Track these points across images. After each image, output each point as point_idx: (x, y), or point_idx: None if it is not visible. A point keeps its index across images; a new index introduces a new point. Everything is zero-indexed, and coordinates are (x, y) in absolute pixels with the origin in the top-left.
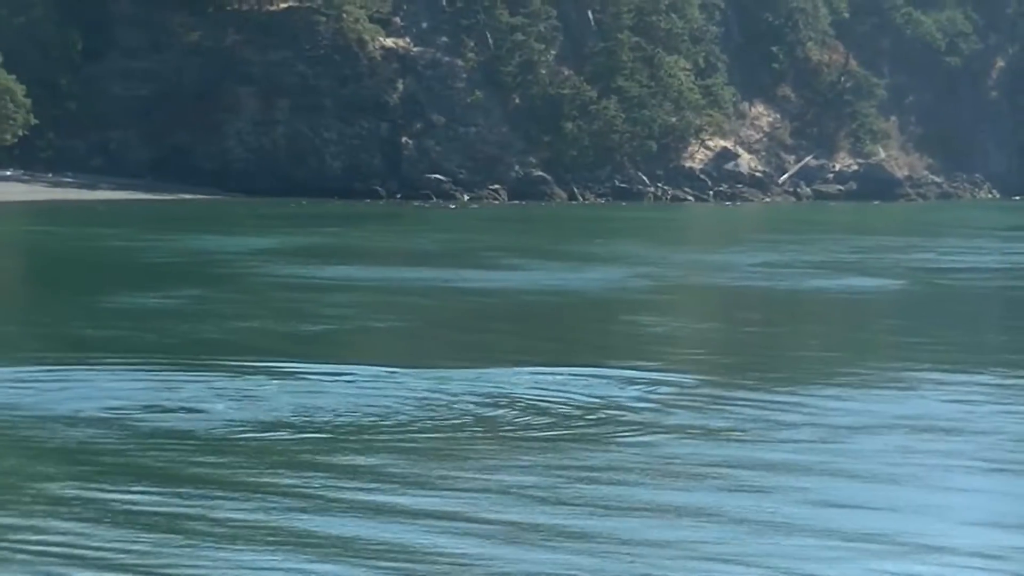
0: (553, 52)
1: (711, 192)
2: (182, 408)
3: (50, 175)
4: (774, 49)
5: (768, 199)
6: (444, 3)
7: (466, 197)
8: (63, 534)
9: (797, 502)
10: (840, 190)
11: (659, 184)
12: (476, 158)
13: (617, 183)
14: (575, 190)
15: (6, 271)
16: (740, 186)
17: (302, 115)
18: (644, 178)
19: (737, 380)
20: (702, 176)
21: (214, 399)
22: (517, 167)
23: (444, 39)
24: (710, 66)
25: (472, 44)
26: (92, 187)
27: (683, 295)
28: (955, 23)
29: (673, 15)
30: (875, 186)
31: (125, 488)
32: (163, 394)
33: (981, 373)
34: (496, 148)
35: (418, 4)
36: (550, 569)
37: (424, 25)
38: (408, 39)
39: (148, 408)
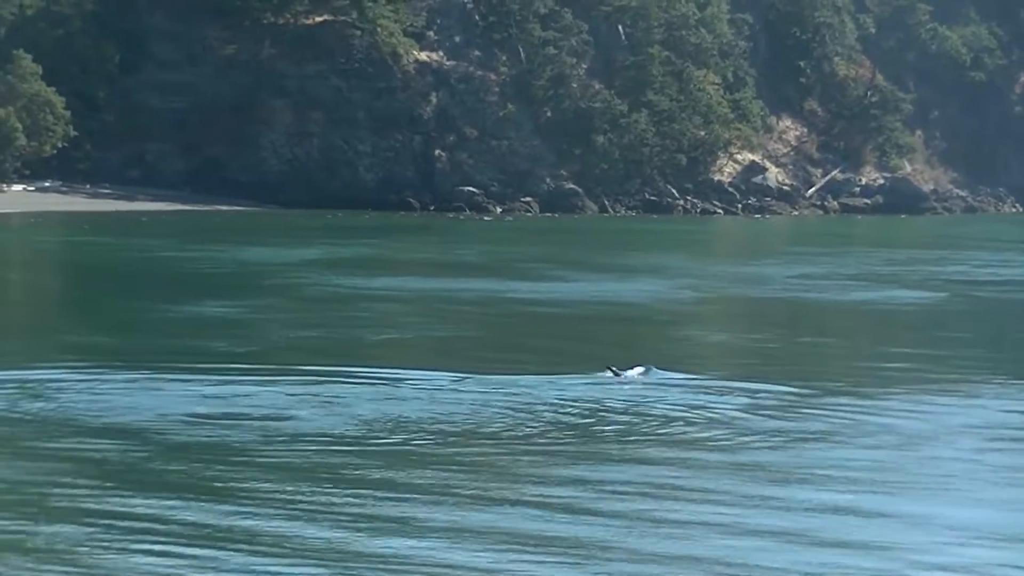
0: (584, 66)
1: (740, 205)
2: (274, 416)
3: (88, 186)
4: (801, 64)
5: (796, 212)
6: (477, 17)
7: (498, 209)
8: (188, 523)
9: (891, 499)
10: (867, 204)
11: (688, 197)
12: (508, 171)
13: (647, 196)
14: (606, 203)
15: (65, 281)
16: (768, 199)
17: (336, 128)
18: (674, 191)
19: (810, 389)
20: (731, 189)
21: (302, 406)
22: (548, 180)
23: (477, 53)
24: (738, 80)
25: (504, 58)
26: (130, 198)
27: (730, 306)
28: (980, 38)
29: (702, 30)
30: (901, 200)
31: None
32: (248, 400)
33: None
34: (528, 161)
35: (451, 18)
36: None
37: (457, 39)
38: (441, 53)
39: (243, 416)
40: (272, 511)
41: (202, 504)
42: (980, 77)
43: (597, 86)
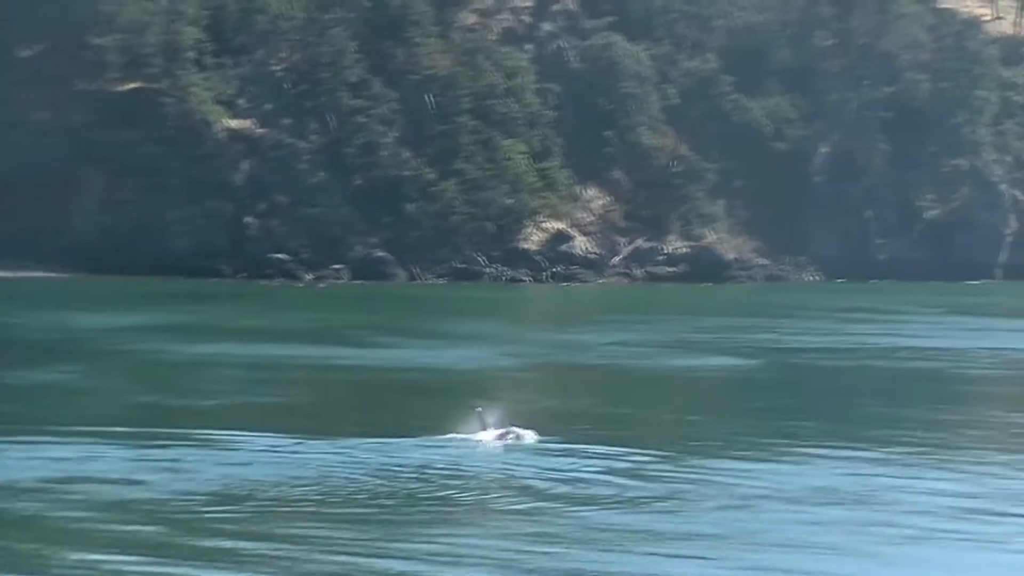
0: (394, 134)
1: (547, 273)
2: (117, 479)
3: None
4: (607, 133)
5: (602, 280)
6: (288, 86)
7: (309, 276)
8: None
9: (726, 569)
10: (671, 272)
11: (496, 265)
12: (319, 238)
13: (456, 264)
14: (415, 270)
15: None
16: (575, 267)
17: (149, 194)
18: (482, 259)
19: (646, 452)
20: (538, 257)
21: (145, 471)
22: (359, 247)
23: (288, 121)
24: (545, 149)
25: (315, 126)
26: None
27: (554, 373)
28: (781, 109)
29: (510, 99)
30: (705, 268)
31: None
32: (91, 465)
33: (863, 447)
34: (338, 228)
35: (262, 86)
36: None
37: (268, 107)
38: (253, 121)
39: (84, 479)
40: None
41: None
42: (782, 147)
43: (406, 154)
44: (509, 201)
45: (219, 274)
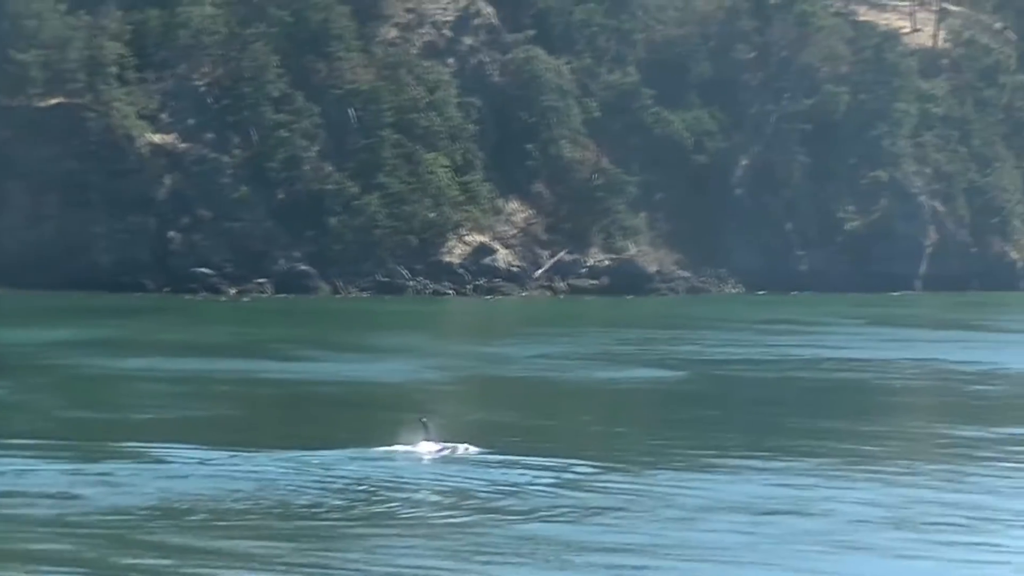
0: (316, 148)
1: (470, 286)
2: (54, 494)
3: None
4: (529, 147)
5: (525, 293)
6: (210, 100)
7: (233, 291)
8: None
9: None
10: (594, 284)
11: (420, 278)
12: (242, 252)
13: (379, 277)
14: (339, 284)
15: None
16: (498, 280)
17: (72, 210)
18: (405, 272)
19: (580, 464)
20: (461, 271)
21: (81, 485)
22: (282, 261)
23: (210, 135)
24: (468, 163)
25: (238, 140)
26: None
27: (482, 386)
28: (702, 122)
29: (432, 113)
30: (627, 280)
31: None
32: (26, 480)
33: (794, 459)
34: (261, 242)
35: (185, 101)
36: None
37: (191, 122)
38: (175, 135)
39: (19, 494)
40: None
41: None
42: (703, 160)
43: (329, 168)
44: (432, 215)
45: (143, 289)
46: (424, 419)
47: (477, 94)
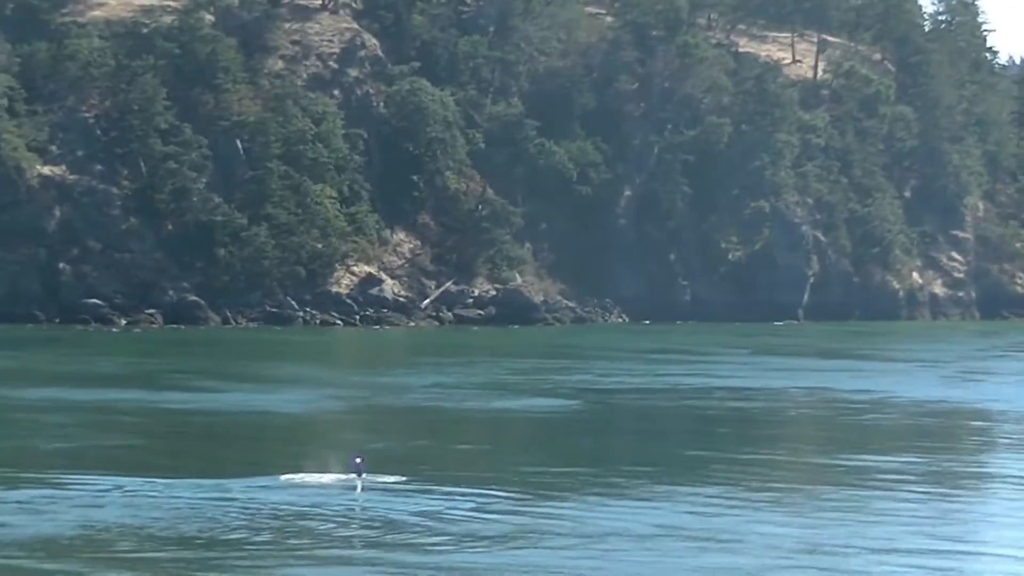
0: (204, 180)
1: (358, 316)
2: None
3: None
4: (415, 178)
5: (412, 323)
6: (99, 132)
7: (123, 321)
8: None
9: None
10: (480, 315)
11: (308, 308)
12: (132, 283)
13: (268, 307)
14: (228, 314)
15: None
16: (385, 311)
17: None
18: (293, 303)
19: (491, 491)
20: (348, 301)
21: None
22: (171, 292)
23: (99, 167)
24: (354, 194)
25: (126, 172)
26: None
27: (380, 415)
28: (586, 153)
29: (319, 144)
30: (513, 310)
31: None
32: None
33: (699, 486)
34: (151, 273)
35: (74, 132)
36: None
37: (80, 153)
38: (64, 167)
39: None
40: None
41: None
42: (587, 191)
43: (217, 200)
44: (319, 245)
45: (34, 319)
46: (359, 459)
47: (363, 125)
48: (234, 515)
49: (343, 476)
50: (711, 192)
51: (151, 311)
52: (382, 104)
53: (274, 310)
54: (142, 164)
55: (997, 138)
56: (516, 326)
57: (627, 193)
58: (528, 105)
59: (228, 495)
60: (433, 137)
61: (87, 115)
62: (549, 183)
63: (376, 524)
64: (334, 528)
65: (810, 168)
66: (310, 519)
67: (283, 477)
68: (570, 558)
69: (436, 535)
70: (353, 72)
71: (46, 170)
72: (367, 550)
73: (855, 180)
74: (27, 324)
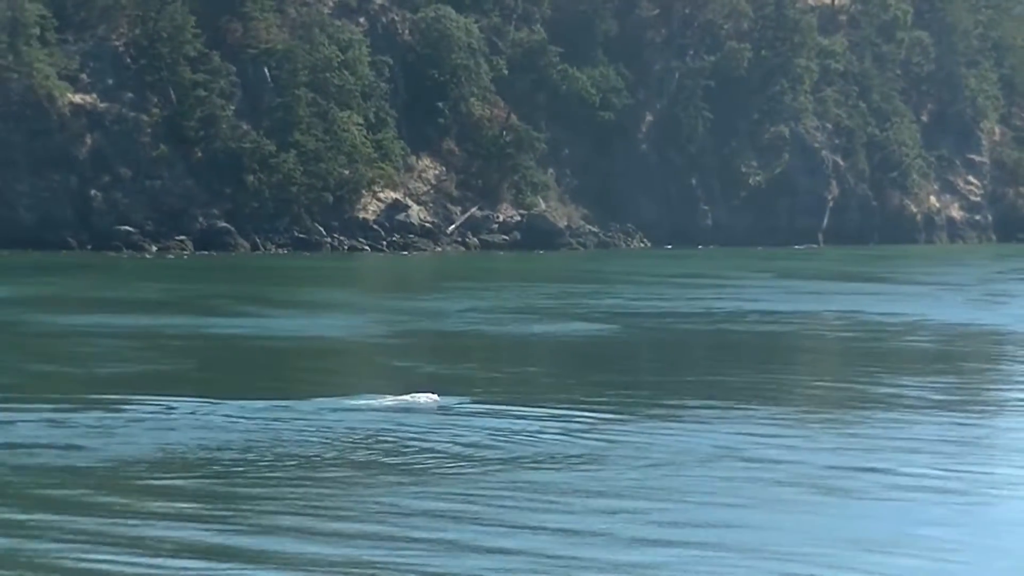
0: (233, 108)
1: (385, 242)
2: (52, 444)
3: None
4: (439, 105)
5: (439, 249)
6: (129, 60)
7: (155, 248)
8: None
9: (665, 524)
10: (505, 240)
11: (335, 235)
12: (162, 210)
13: (296, 234)
14: (257, 240)
15: None
16: (412, 236)
17: None
18: (321, 229)
19: (547, 413)
20: (375, 227)
21: (77, 436)
22: (201, 219)
23: (130, 95)
24: (380, 121)
25: (156, 100)
26: None
27: (426, 339)
28: (608, 79)
29: (345, 72)
30: (538, 236)
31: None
32: (13, 431)
33: (753, 408)
34: (181, 200)
35: (104, 61)
36: None
37: (110, 82)
38: (95, 95)
39: (13, 445)
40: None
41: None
42: (609, 117)
43: (246, 127)
44: (346, 172)
45: (66, 246)
46: (432, 395)
47: (388, 52)
48: (310, 435)
49: (409, 398)
50: (731, 117)
51: (181, 238)
52: (407, 31)
53: (302, 236)
54: (172, 92)
55: (1013, 62)
56: (541, 251)
57: (648, 119)
58: (551, 32)
59: (299, 416)
60: (458, 64)
61: (117, 44)
62: (572, 109)
63: (448, 446)
64: (413, 448)
65: (829, 93)
66: (385, 440)
67: (350, 399)
68: (642, 479)
69: (505, 455)
70: (378, 0)
71: (77, 98)
72: (443, 470)
73: (873, 105)
74: (60, 251)
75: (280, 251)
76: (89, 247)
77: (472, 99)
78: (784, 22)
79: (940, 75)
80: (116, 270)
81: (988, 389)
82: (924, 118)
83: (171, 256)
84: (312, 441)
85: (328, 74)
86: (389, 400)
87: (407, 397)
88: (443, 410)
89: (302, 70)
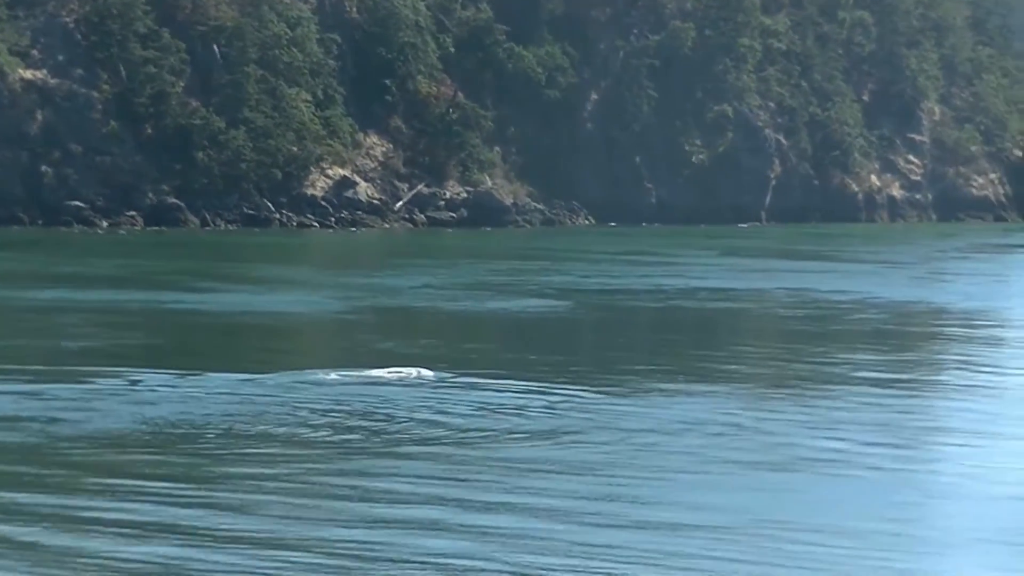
0: (183, 84)
1: (333, 219)
2: (36, 417)
3: None
4: (387, 82)
5: (387, 225)
6: (79, 37)
7: (105, 223)
8: None
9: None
10: (452, 217)
11: (284, 211)
12: (112, 186)
13: (245, 210)
14: (207, 216)
15: None
16: (360, 213)
17: None
18: (270, 205)
19: (519, 388)
20: (324, 203)
21: (57, 410)
22: (151, 194)
23: (80, 71)
24: (328, 98)
25: (106, 76)
26: None
27: (387, 315)
28: (554, 58)
29: (294, 49)
30: (484, 213)
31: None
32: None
33: (716, 384)
34: (131, 176)
35: (54, 37)
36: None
37: (61, 58)
38: (46, 71)
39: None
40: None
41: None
42: (554, 95)
43: (195, 104)
44: (295, 149)
45: (17, 222)
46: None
47: (337, 30)
48: (289, 410)
49: (380, 371)
50: (675, 97)
51: (132, 213)
52: (355, 9)
53: (251, 212)
54: (122, 68)
55: (953, 43)
56: (488, 228)
57: (593, 97)
58: (497, 10)
59: (277, 391)
60: (405, 42)
61: (67, 20)
62: (518, 88)
63: (422, 419)
64: (391, 421)
65: (771, 72)
66: (362, 414)
67: (321, 373)
68: (610, 452)
69: (484, 428)
70: None
71: (28, 74)
72: (423, 442)
73: (815, 84)
74: (11, 226)
75: (230, 227)
76: (40, 222)
77: (419, 77)
78: (728, 1)
79: (881, 55)
80: (69, 245)
81: (944, 366)
82: (865, 98)
83: (123, 232)
84: (290, 417)
85: (277, 51)
86: (374, 373)
87: (388, 371)
88: (425, 384)
89: (251, 47)
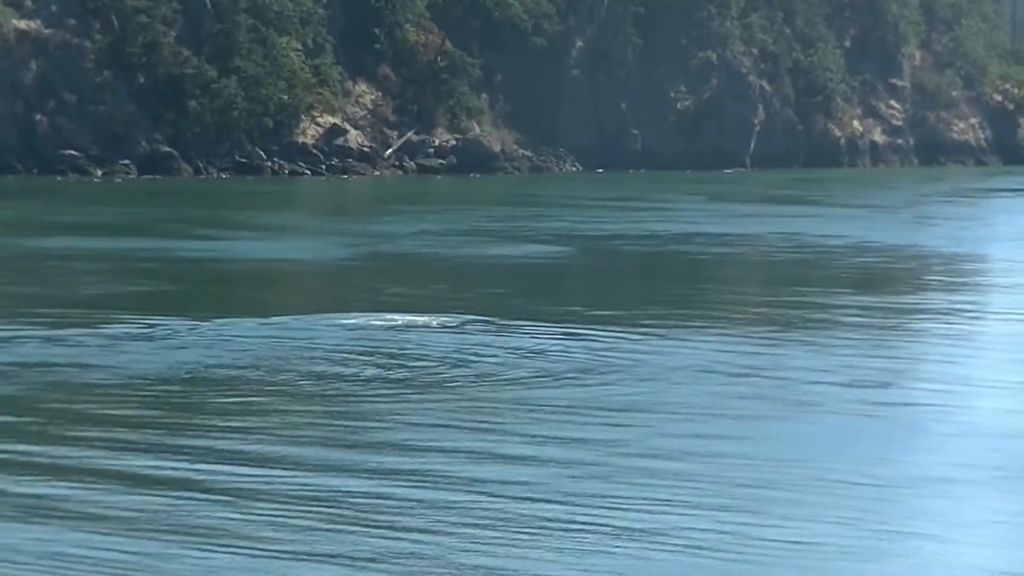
0: (174, 34)
1: (324, 166)
2: (68, 364)
3: None
4: (376, 31)
5: (377, 172)
6: None
7: (100, 172)
8: None
9: (656, 436)
10: (441, 164)
11: (275, 159)
12: (106, 135)
13: (237, 158)
14: (200, 165)
15: None
16: (350, 160)
17: None
18: (262, 153)
19: (542, 331)
20: (315, 151)
21: (89, 356)
22: (144, 143)
23: (73, 21)
24: (318, 47)
25: (99, 26)
26: None
27: (390, 261)
28: (540, 5)
29: None
30: (473, 160)
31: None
32: (17, 349)
33: (729, 326)
34: (124, 125)
35: None
36: None
37: (54, 8)
38: (39, 21)
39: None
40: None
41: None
42: (540, 43)
43: (187, 53)
44: (285, 97)
45: (12, 171)
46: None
47: None
48: (322, 352)
49: (402, 316)
50: (660, 43)
51: (126, 162)
52: None
53: (243, 160)
54: (114, 18)
55: None
56: (476, 175)
57: (579, 45)
58: None
59: (300, 334)
60: None
61: None
62: (504, 35)
63: (446, 362)
64: (419, 362)
65: (755, 19)
66: (391, 356)
67: (343, 318)
68: (639, 392)
69: (503, 372)
70: None
71: (22, 24)
72: (453, 385)
73: (798, 30)
74: (6, 175)
75: (222, 175)
76: (35, 171)
77: (407, 25)
78: None
79: (862, 0)
80: (65, 193)
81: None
82: (847, 43)
83: (118, 180)
84: (324, 360)
85: (267, 0)
86: (397, 317)
87: (402, 316)
88: (447, 328)
89: None
